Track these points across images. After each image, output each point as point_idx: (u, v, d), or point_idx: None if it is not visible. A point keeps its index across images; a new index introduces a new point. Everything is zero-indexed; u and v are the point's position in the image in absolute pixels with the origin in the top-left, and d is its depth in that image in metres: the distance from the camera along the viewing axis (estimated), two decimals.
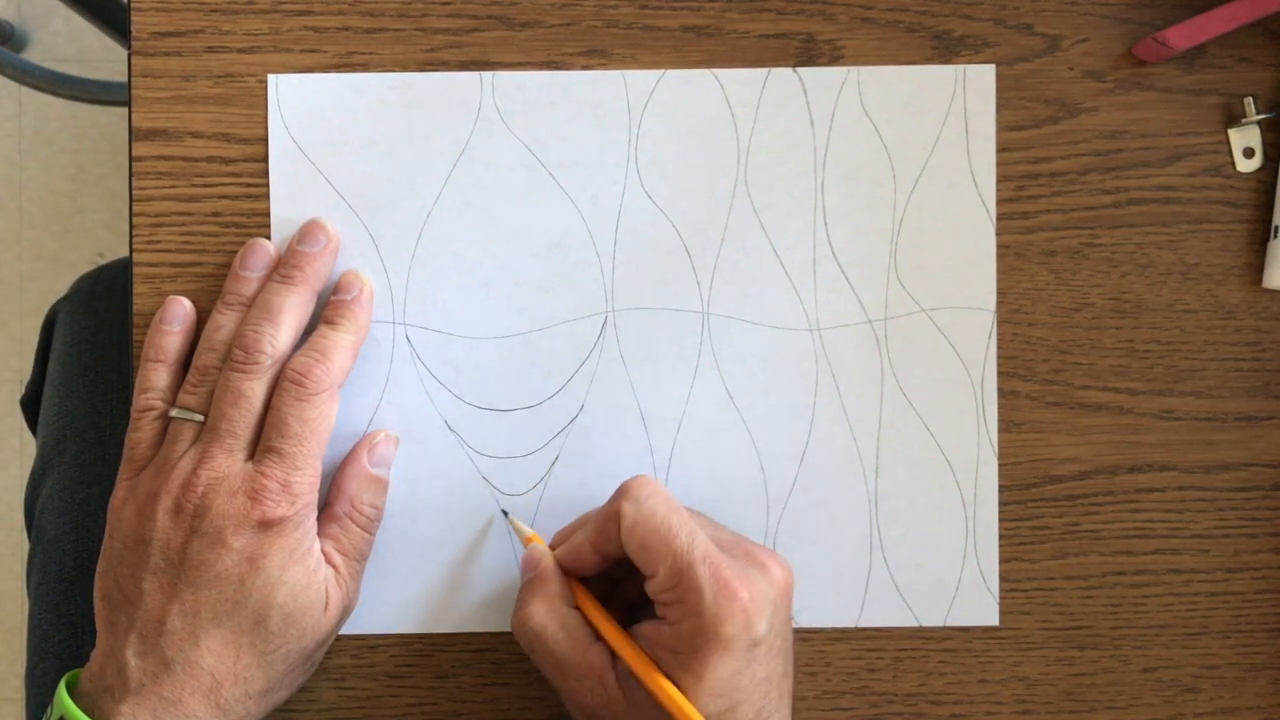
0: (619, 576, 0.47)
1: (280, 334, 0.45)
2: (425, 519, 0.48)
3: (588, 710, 0.43)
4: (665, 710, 0.41)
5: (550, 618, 0.44)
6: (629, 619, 0.45)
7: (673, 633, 0.42)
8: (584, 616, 0.44)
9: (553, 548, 0.46)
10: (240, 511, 0.43)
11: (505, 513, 0.48)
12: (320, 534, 0.45)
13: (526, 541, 0.47)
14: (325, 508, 0.46)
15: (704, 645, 0.41)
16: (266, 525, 0.43)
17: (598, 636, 0.44)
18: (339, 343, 0.46)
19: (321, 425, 0.44)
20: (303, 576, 0.44)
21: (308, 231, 0.47)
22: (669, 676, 0.41)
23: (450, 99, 0.48)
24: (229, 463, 0.43)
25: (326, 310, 0.47)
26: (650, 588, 0.43)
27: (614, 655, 0.43)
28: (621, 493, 0.44)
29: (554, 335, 0.48)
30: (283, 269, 0.46)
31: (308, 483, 0.44)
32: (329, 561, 0.45)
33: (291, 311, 0.45)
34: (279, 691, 0.45)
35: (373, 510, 0.47)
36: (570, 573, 0.45)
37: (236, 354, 0.44)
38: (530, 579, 0.45)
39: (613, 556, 0.44)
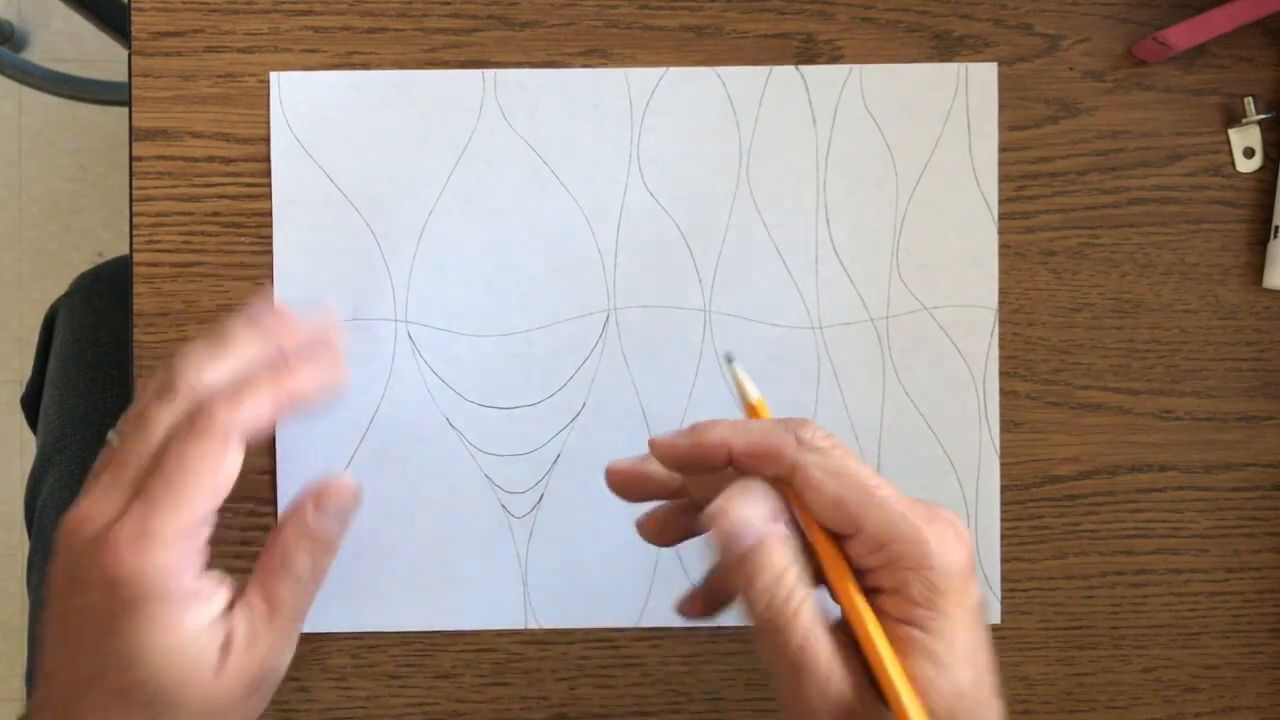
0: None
1: (214, 371, 0.39)
2: (426, 517, 0.48)
3: None
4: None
5: (817, 644, 0.34)
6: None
7: (901, 600, 0.34)
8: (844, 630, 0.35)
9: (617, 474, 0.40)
10: (90, 560, 0.36)
11: (730, 359, 0.41)
12: (254, 580, 0.40)
13: (749, 410, 0.39)
14: (263, 553, 0.41)
15: (944, 605, 0.34)
16: (118, 581, 0.36)
17: (869, 677, 0.34)
18: (260, 392, 0.39)
19: (204, 469, 0.37)
20: (173, 642, 0.36)
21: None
22: (908, 657, 0.34)
23: (452, 97, 0.48)
24: (103, 499, 0.37)
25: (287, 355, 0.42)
26: (855, 549, 0.35)
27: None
28: (795, 440, 0.36)
29: (556, 333, 0.48)
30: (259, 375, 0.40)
31: (171, 532, 0.36)
32: (250, 609, 0.39)
33: (242, 358, 0.40)
34: None
35: (306, 570, 0.40)
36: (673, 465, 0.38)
37: (161, 373, 0.40)
38: (751, 576, 0.35)
39: (732, 458, 0.37)
